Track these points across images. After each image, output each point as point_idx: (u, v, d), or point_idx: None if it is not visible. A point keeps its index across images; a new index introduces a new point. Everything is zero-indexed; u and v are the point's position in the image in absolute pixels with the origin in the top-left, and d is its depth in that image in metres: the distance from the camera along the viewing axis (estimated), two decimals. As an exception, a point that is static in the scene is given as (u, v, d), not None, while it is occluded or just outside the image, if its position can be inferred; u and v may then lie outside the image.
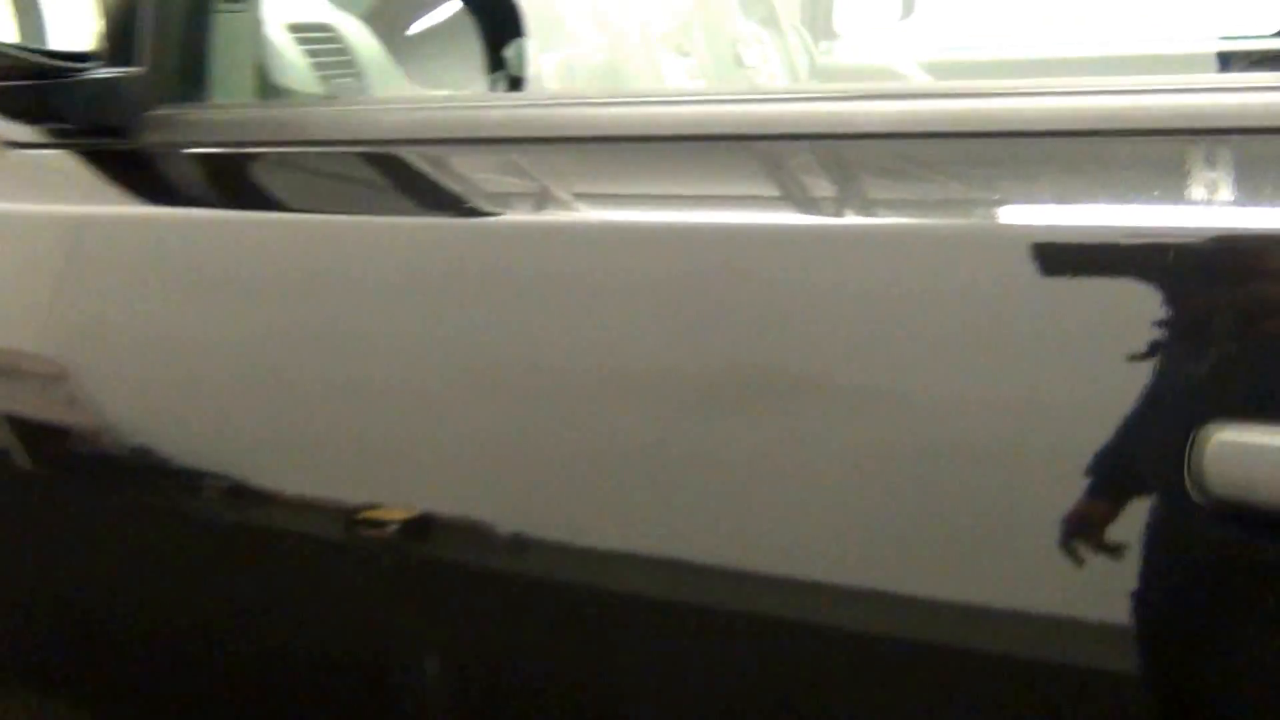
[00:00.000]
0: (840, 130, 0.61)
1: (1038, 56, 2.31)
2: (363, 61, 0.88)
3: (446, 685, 0.68)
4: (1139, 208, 0.54)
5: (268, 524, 0.68)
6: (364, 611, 0.67)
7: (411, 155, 0.71)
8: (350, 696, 0.69)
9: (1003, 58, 2.32)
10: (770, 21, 1.50)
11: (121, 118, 0.71)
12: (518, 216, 0.67)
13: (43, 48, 0.65)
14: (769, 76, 1.38)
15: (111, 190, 0.75)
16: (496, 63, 0.98)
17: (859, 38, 2.40)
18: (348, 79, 0.87)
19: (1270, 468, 0.44)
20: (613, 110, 0.70)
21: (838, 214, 0.62)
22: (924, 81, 1.81)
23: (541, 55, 1.04)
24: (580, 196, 0.68)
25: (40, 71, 0.67)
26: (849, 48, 2.33)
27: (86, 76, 0.68)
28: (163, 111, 0.72)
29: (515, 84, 0.98)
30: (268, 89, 0.81)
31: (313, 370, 0.65)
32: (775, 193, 0.66)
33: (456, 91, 1.00)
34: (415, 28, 1.01)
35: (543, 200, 0.68)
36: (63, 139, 0.75)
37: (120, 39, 0.69)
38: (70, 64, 0.67)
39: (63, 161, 0.75)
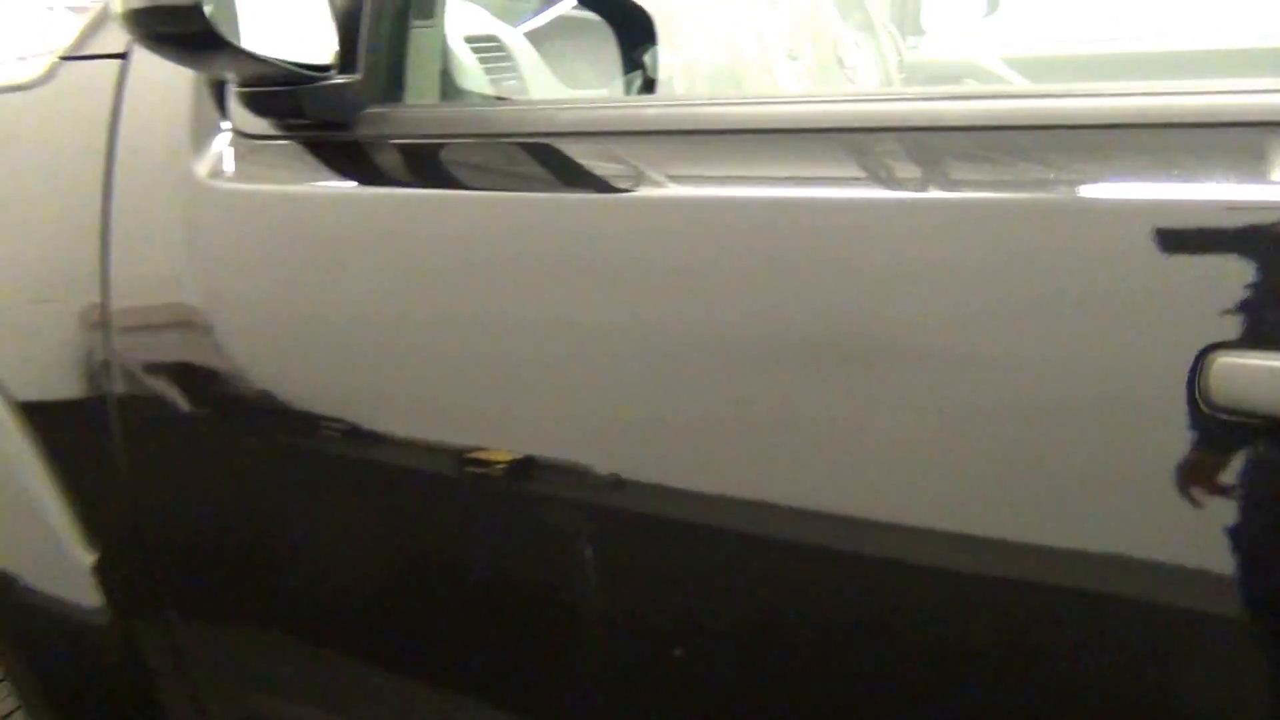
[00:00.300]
0: (919, 125, 0.76)
1: (1120, 51, 2.40)
2: (523, 67, 1.04)
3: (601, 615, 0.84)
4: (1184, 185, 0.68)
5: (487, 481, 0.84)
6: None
7: (566, 145, 0.87)
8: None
9: (1086, 53, 2.41)
10: (866, 26, 1.63)
11: (343, 115, 0.88)
12: (654, 192, 0.82)
13: (294, 59, 0.81)
14: (865, 75, 1.52)
15: (333, 173, 0.92)
16: (631, 65, 1.13)
17: (945, 34, 2.50)
18: (512, 81, 1.03)
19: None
20: (736, 109, 0.85)
21: (923, 192, 0.76)
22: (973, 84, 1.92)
23: (671, 59, 1.19)
24: (705, 179, 0.83)
25: (288, 78, 0.84)
26: (935, 44, 2.44)
27: (322, 83, 0.84)
28: (373, 110, 0.89)
29: (649, 85, 1.14)
30: (450, 90, 0.98)
31: (498, 316, 0.82)
32: (868, 175, 0.80)
33: (600, 92, 1.16)
34: (562, 36, 1.17)
35: (673, 181, 0.83)
36: (289, 132, 0.92)
37: (346, 53, 0.86)
38: (310, 72, 0.84)
39: (290, 150, 0.92)
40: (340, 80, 0.85)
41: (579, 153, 0.86)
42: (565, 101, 1.07)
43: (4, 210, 1.05)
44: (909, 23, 2.39)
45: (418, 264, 0.85)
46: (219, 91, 0.94)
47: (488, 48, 1.02)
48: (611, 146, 0.86)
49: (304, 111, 0.85)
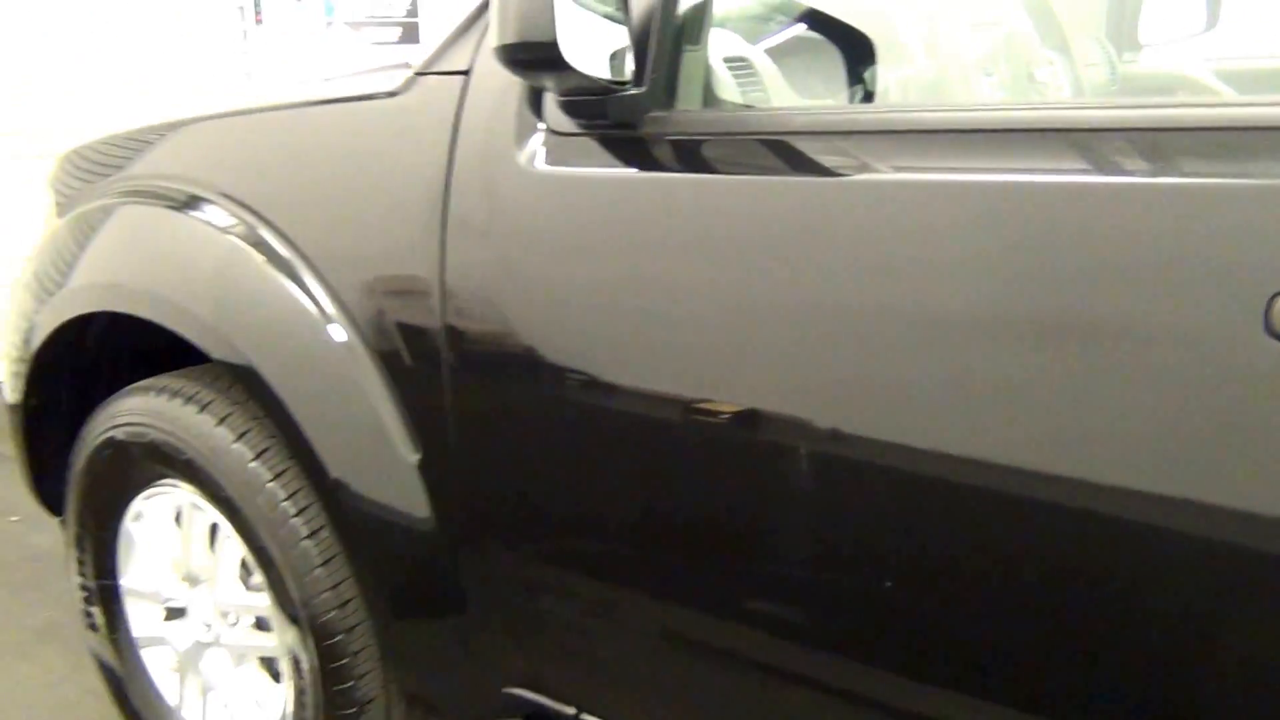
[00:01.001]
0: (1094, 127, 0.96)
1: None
2: (766, 80, 1.31)
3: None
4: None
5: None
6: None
7: (804, 143, 1.12)
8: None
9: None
10: (1061, 46, 1.81)
11: (633, 117, 1.16)
12: (881, 177, 1.05)
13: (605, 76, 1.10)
14: (1054, 89, 1.71)
15: (623, 162, 1.20)
16: (853, 80, 1.39)
17: (1162, 48, 2.60)
18: (758, 92, 1.30)
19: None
20: (942, 114, 1.08)
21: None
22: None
23: (887, 75, 1.43)
24: (926, 170, 1.04)
25: (598, 89, 1.13)
26: (1151, 58, 2.55)
27: (623, 93, 1.13)
28: (655, 114, 1.17)
29: (869, 96, 1.39)
30: (710, 99, 1.25)
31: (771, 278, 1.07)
32: (1074, 169, 0.97)
33: (827, 101, 1.42)
34: (796, 54, 1.43)
35: (897, 170, 1.06)
36: (590, 130, 1.20)
37: (638, 71, 1.14)
38: (615, 85, 1.12)
39: (590, 144, 1.21)
40: (633, 92, 1.14)
41: (815, 149, 1.10)
42: (802, 108, 1.34)
43: (371, 189, 1.39)
44: (1126, 38, 2.50)
45: (687, 232, 1.12)
46: (536, 99, 1.24)
47: (740, 66, 1.29)
48: (843, 144, 1.09)
49: (607, 114, 1.14)
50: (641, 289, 1.13)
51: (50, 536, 2.94)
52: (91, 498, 1.82)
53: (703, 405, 1.10)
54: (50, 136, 4.25)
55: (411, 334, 1.34)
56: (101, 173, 1.88)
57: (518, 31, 1.02)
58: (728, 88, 1.26)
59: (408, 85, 1.37)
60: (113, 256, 1.68)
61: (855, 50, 1.43)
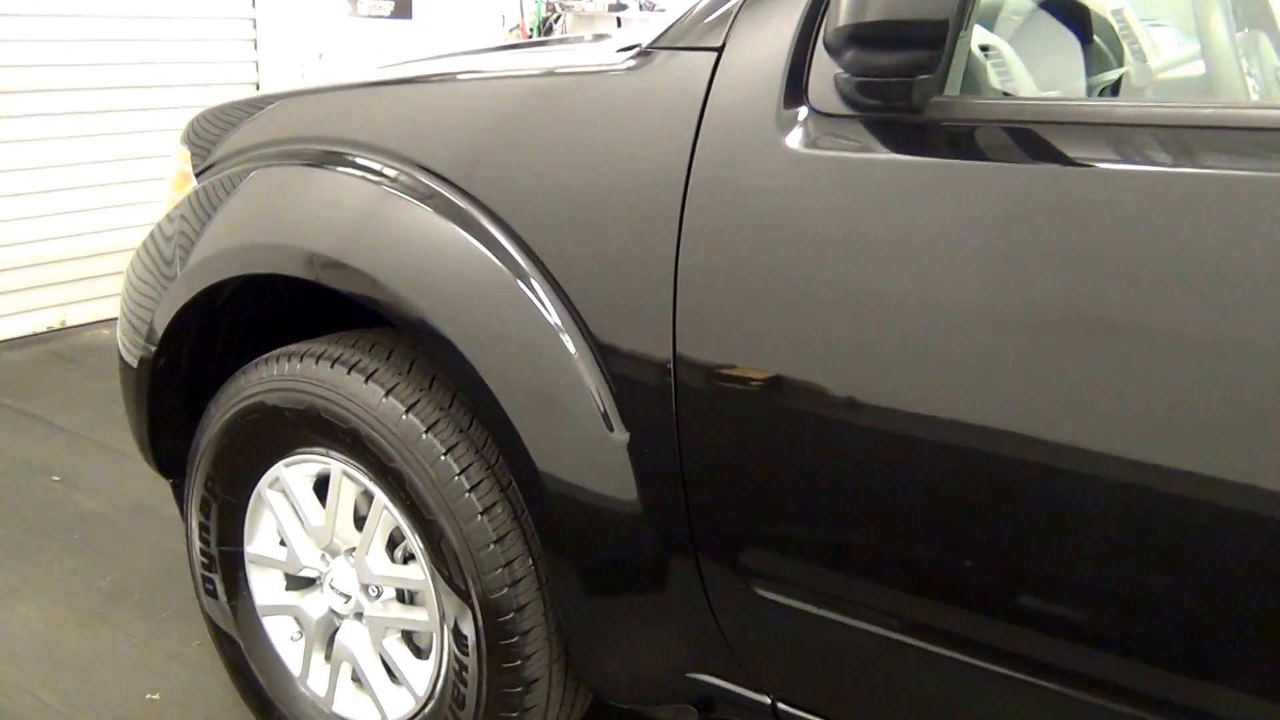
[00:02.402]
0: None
1: None
2: (1011, 68, 1.30)
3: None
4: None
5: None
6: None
7: (1047, 132, 1.10)
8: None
9: None
10: None
11: (921, 101, 1.14)
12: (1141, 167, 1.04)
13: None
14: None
15: (909, 146, 1.17)
16: (1096, 69, 1.39)
17: None
18: (1010, 81, 1.28)
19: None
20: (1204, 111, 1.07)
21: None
22: None
23: (1140, 69, 1.43)
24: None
25: (905, 69, 1.10)
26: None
27: (921, 77, 1.11)
28: (940, 99, 1.15)
29: (1115, 89, 1.39)
30: (973, 86, 1.23)
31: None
32: None
33: (1071, 93, 1.42)
34: (1041, 48, 1.42)
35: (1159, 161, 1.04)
36: (860, 112, 1.18)
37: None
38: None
39: (857, 126, 1.19)
40: (924, 77, 1.12)
41: (1062, 137, 1.09)
42: (1052, 96, 1.34)
43: (596, 167, 1.36)
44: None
45: (987, 225, 1.09)
46: (798, 78, 1.21)
47: (993, 55, 1.28)
48: (1166, 138, 1.08)
49: (908, 97, 1.12)
50: (924, 288, 1.10)
51: (96, 497, 2.90)
52: (226, 462, 1.78)
53: (990, 428, 1.08)
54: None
55: (635, 319, 1.31)
56: (253, 133, 1.83)
57: (888, 8, 1.00)
58: (990, 75, 1.25)
59: (645, 60, 1.34)
60: (288, 219, 1.63)
61: (1095, 39, 1.42)
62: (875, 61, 1.09)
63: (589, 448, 1.38)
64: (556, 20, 5.78)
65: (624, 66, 1.36)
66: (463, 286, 1.45)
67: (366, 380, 1.59)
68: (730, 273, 1.23)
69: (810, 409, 1.19)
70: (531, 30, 5.72)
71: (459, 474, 1.52)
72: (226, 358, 1.94)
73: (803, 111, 1.21)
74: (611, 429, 1.36)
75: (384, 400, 1.56)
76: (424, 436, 1.53)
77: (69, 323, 4.32)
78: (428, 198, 1.50)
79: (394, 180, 1.54)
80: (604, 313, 1.34)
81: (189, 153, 1.94)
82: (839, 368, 1.16)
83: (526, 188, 1.41)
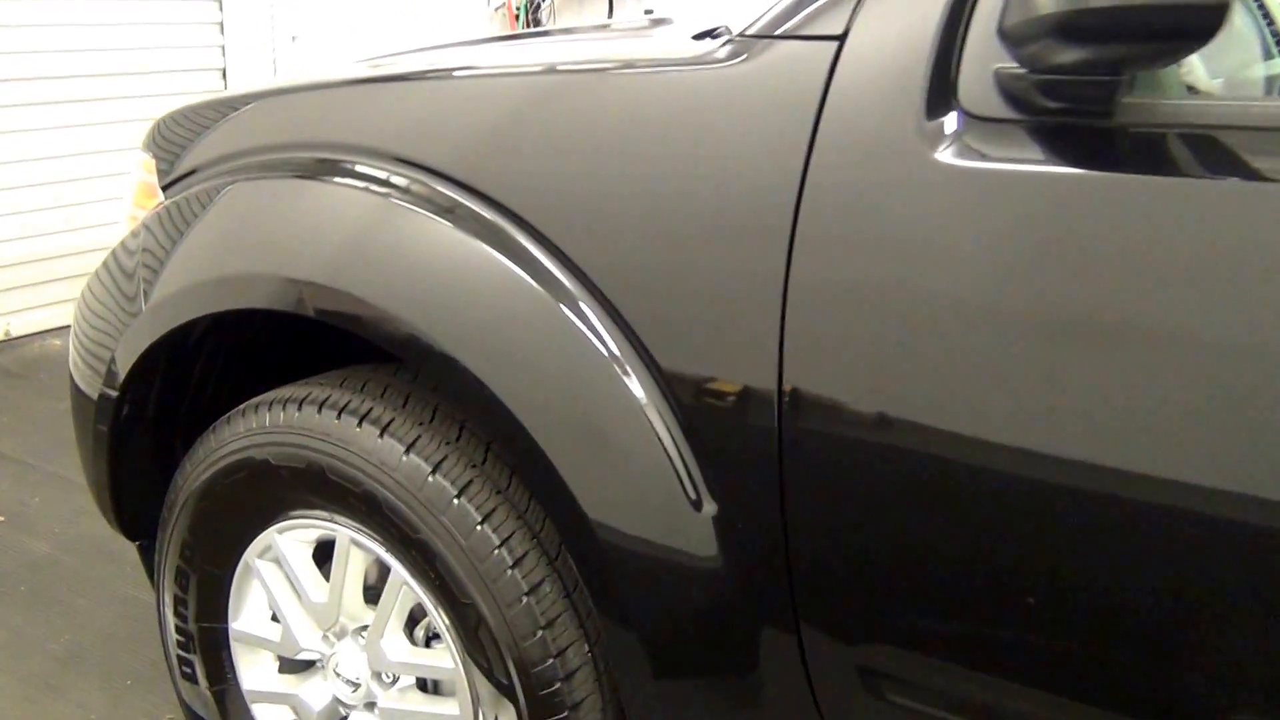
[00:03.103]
0: None
1: None
2: (1191, 61, 1.08)
3: None
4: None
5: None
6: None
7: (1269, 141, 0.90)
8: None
9: None
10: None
11: (1108, 104, 0.92)
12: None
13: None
14: None
15: (1096, 157, 0.95)
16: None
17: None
18: (1189, 74, 1.06)
19: None
20: None
21: None
22: None
23: None
24: None
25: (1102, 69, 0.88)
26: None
27: (1123, 77, 0.88)
28: (1132, 100, 0.92)
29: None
30: (1155, 85, 1.01)
31: None
32: None
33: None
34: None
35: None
36: (1029, 115, 0.96)
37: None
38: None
39: (1023, 133, 0.96)
40: (1110, 79, 0.89)
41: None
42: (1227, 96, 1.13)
43: (679, 179, 1.12)
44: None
45: (1189, 241, 0.87)
46: (943, 74, 0.98)
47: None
48: None
49: (1107, 99, 0.89)
50: (1131, 329, 0.88)
51: (48, 540, 2.60)
52: (207, 527, 1.51)
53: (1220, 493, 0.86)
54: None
55: (729, 363, 1.08)
56: (229, 139, 1.56)
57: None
58: (1174, 69, 1.03)
59: (743, 51, 1.10)
60: (276, 243, 1.37)
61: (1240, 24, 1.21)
62: (1072, 57, 0.87)
63: (661, 511, 1.14)
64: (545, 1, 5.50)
65: (718, 59, 1.12)
66: (498, 317, 1.20)
67: (381, 434, 1.33)
68: (863, 298, 1.00)
69: (967, 469, 0.97)
70: (518, 11, 5.44)
71: (499, 546, 1.27)
72: (203, 398, 1.66)
73: (952, 114, 0.98)
74: (691, 488, 1.12)
75: (404, 459, 1.31)
76: (455, 502, 1.28)
77: (14, 333, 3.96)
78: (458, 218, 1.25)
79: (407, 192, 1.29)
80: (680, 344, 1.11)
81: (153, 161, 1.66)
82: (1007, 421, 0.93)
83: (586, 200, 1.16)
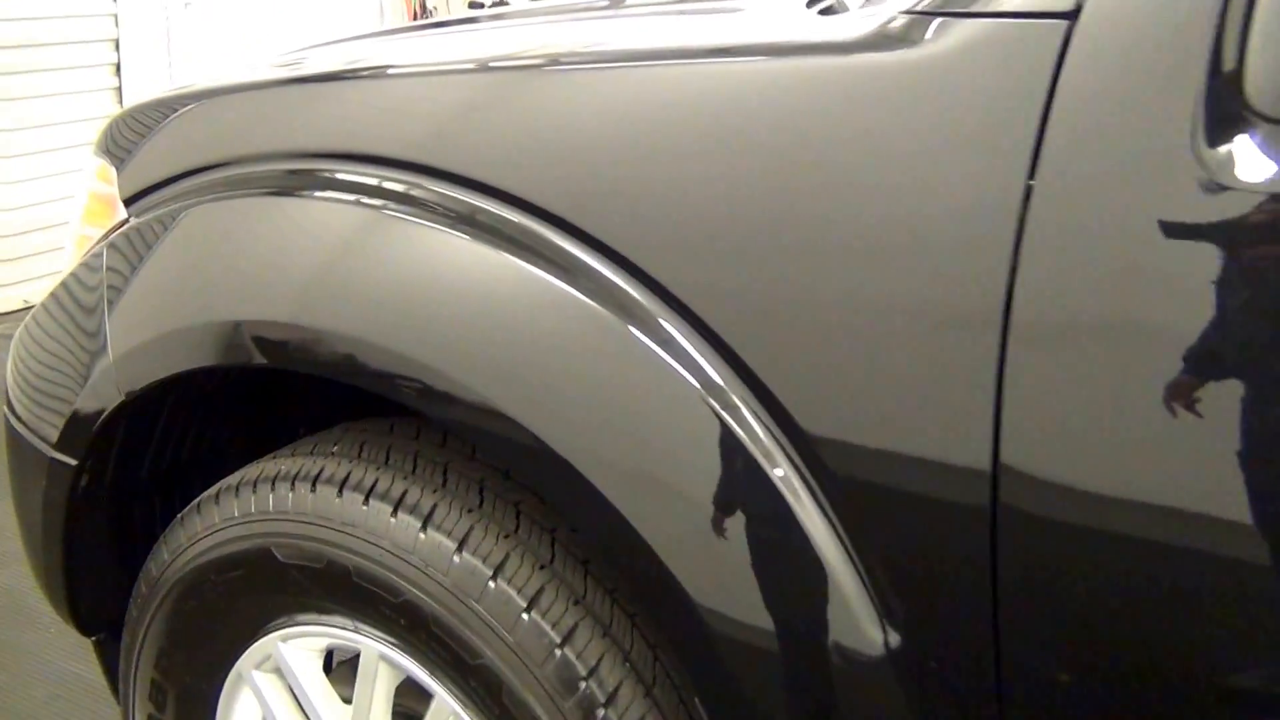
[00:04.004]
0: None
1: None
2: None
3: None
4: None
5: None
6: None
7: None
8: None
9: None
10: None
11: None
12: None
13: None
14: None
15: None
16: None
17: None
18: None
19: None
20: None
21: None
22: None
23: None
24: None
25: None
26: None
27: None
28: None
29: None
30: None
31: None
32: None
33: None
34: None
35: None
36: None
37: None
38: None
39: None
40: None
41: None
42: None
43: (847, 201, 0.84)
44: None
45: None
46: (1216, 64, 0.72)
47: None
48: None
49: None
50: None
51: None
52: (191, 631, 1.21)
53: None
54: None
55: (921, 441, 0.81)
56: (205, 143, 1.25)
57: None
58: None
59: (922, 33, 0.83)
60: (258, 281, 1.09)
61: None
62: None
63: (817, 644, 0.87)
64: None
65: (876, 41, 0.85)
66: (582, 379, 0.93)
67: (424, 526, 1.04)
68: (1119, 351, 0.74)
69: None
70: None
71: (586, 677, 0.99)
72: (178, 458, 1.36)
73: (1242, 118, 0.72)
74: (861, 612, 0.85)
75: (456, 560, 1.02)
76: (526, 617, 0.99)
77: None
78: (526, 249, 0.97)
79: (456, 222, 1.01)
80: (840, 408, 0.84)
81: (111, 168, 1.35)
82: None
83: (709, 243, 0.89)
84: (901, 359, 0.81)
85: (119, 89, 4.22)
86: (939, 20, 0.83)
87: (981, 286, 0.78)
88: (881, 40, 0.85)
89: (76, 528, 1.31)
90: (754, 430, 0.87)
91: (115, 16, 4.16)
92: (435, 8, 5.37)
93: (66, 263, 1.39)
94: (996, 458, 0.78)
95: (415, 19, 5.48)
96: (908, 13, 0.85)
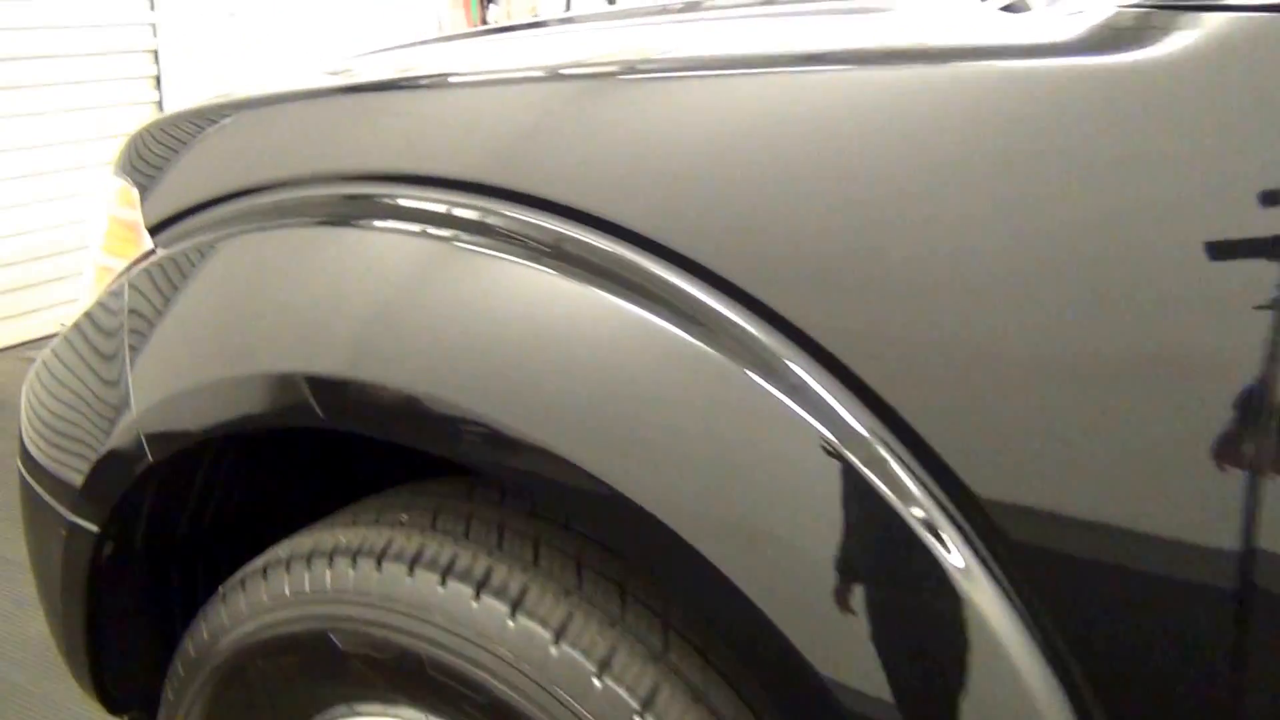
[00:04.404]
0: None
1: None
2: None
3: None
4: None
5: None
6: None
7: None
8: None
9: None
10: None
11: None
12: None
13: None
14: None
15: None
16: None
17: None
18: None
19: None
20: None
21: None
22: None
23: None
24: None
25: None
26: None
27: None
28: None
29: None
30: None
31: None
32: None
33: None
34: None
35: None
36: None
37: None
38: None
39: None
40: None
41: None
42: None
43: (1075, 219, 0.69)
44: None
45: None
46: None
47: None
48: None
49: None
50: None
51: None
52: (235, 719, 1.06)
53: None
54: None
55: (1148, 515, 0.66)
56: (244, 162, 1.10)
57: None
58: None
59: (1138, 29, 0.68)
60: (309, 326, 0.94)
61: None
62: None
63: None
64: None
65: (1084, 43, 0.70)
66: (699, 439, 0.78)
67: (513, 613, 0.89)
68: None
69: None
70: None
71: (712, 793, 0.84)
72: (210, 513, 1.21)
73: None
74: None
75: (554, 652, 0.87)
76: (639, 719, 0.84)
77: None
78: (644, 294, 0.81)
79: (562, 265, 0.85)
80: (1032, 483, 0.69)
81: (134, 191, 1.19)
82: None
83: (870, 287, 0.74)
84: (1120, 414, 0.66)
85: (159, 103, 4.05)
86: (1176, 15, 0.67)
87: (1244, 331, 0.63)
88: (1107, 40, 0.70)
89: (102, 597, 1.16)
90: (906, 488, 0.73)
91: (154, 26, 3.96)
92: (496, 20, 5.20)
93: (86, 293, 1.24)
94: (1249, 536, 0.63)
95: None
96: (1136, 7, 0.70)
